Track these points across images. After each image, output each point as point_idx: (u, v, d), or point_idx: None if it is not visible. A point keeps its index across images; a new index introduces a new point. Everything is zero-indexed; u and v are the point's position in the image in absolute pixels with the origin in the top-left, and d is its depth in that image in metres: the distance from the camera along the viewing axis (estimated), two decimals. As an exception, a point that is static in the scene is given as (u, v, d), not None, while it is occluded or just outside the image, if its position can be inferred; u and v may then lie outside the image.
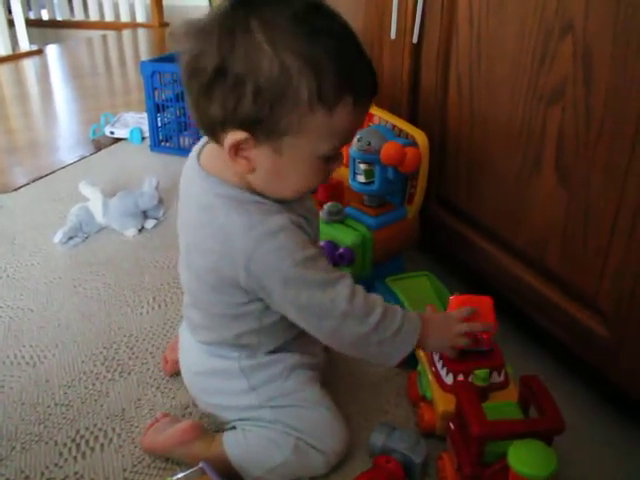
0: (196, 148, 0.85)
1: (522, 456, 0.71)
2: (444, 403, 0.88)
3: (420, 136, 1.16)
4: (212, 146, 0.80)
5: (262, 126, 0.69)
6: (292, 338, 0.90)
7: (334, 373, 1.06)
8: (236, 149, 0.72)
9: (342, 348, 0.83)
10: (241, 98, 0.67)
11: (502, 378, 0.90)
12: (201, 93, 0.70)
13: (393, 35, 1.28)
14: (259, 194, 0.78)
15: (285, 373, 0.88)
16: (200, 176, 0.80)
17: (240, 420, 0.89)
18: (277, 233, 0.74)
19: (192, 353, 0.94)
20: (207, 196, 0.78)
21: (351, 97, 0.69)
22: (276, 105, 0.67)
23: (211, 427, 0.94)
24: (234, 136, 0.70)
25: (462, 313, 0.86)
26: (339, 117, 0.70)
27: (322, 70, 0.67)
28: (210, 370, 0.91)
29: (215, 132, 0.73)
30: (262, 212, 0.76)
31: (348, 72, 0.69)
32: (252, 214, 0.75)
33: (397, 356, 0.82)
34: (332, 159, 0.76)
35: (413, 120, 1.30)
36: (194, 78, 0.70)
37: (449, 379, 0.89)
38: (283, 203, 0.79)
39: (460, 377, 0.89)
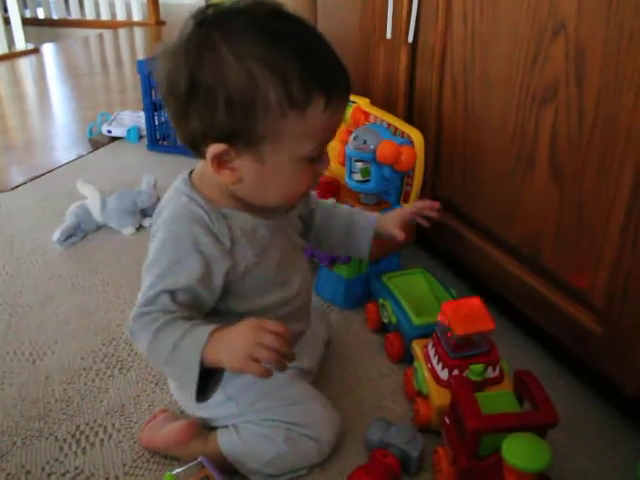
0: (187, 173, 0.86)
1: (516, 449, 0.72)
2: (440, 398, 0.90)
3: (416, 135, 1.17)
4: (201, 167, 0.82)
5: (239, 136, 0.71)
6: None
7: (331, 369, 1.07)
8: (219, 161, 0.73)
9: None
10: (215, 111, 0.69)
11: (497, 373, 0.92)
12: (179, 111, 0.73)
13: (389, 35, 1.29)
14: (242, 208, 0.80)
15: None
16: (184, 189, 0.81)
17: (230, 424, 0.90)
18: (172, 231, 0.77)
19: None
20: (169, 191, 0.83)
21: (322, 97, 0.70)
22: (248, 113, 0.69)
23: (208, 424, 0.94)
24: (214, 149, 0.72)
25: (270, 324, 0.71)
26: (313, 118, 0.71)
27: (287, 74, 0.68)
28: None
29: (197, 146, 0.75)
30: (184, 210, 0.78)
31: (315, 73, 0.70)
32: (178, 206, 0.79)
33: (186, 382, 0.72)
34: (316, 160, 0.77)
35: (409, 119, 1.31)
36: (170, 96, 0.73)
37: (444, 374, 0.91)
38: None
39: (455, 372, 0.90)
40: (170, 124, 0.79)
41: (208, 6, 0.72)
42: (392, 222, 1.00)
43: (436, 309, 1.05)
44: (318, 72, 0.70)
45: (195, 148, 0.76)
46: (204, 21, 0.70)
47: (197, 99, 0.69)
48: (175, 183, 0.83)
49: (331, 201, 1.04)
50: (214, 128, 0.70)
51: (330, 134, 0.77)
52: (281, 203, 0.81)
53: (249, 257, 0.81)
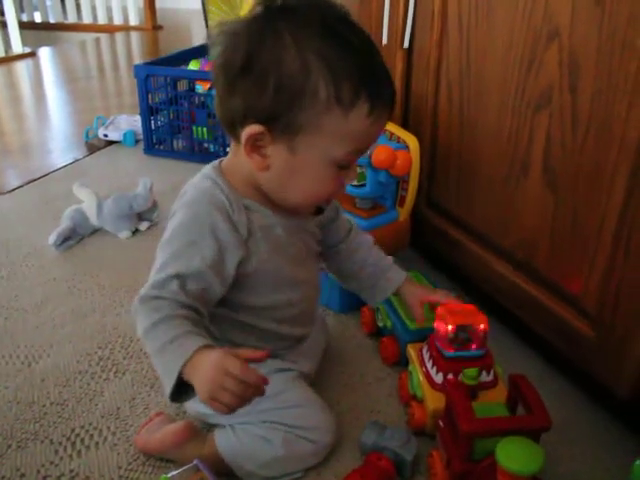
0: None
1: (510, 453, 0.73)
2: (434, 401, 0.90)
3: (411, 140, 1.18)
4: (230, 151, 0.83)
5: (280, 121, 0.72)
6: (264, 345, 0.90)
7: (326, 373, 1.07)
8: (252, 143, 0.74)
9: None
10: (263, 91, 0.70)
11: (491, 377, 0.92)
12: (226, 87, 0.74)
13: (385, 40, 1.30)
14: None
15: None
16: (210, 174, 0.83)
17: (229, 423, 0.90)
18: (191, 214, 0.78)
19: None
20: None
21: (367, 103, 0.71)
22: (295, 101, 0.70)
23: (204, 426, 0.95)
24: (251, 129, 0.73)
25: (236, 368, 0.68)
26: (354, 121, 0.72)
27: (342, 73, 0.70)
28: None
29: (235, 127, 0.76)
30: (205, 195, 0.79)
31: (367, 79, 0.71)
32: (199, 190, 0.80)
33: (165, 379, 0.72)
34: (345, 168, 0.77)
35: (405, 124, 1.32)
36: (221, 73, 0.74)
37: (439, 378, 0.91)
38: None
39: (450, 376, 0.90)
40: (214, 102, 0.79)
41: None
42: (417, 297, 1.00)
43: (430, 313, 1.06)
44: (369, 79, 0.72)
45: (231, 128, 0.77)
46: (272, 8, 0.72)
47: (249, 76, 0.71)
48: (203, 169, 0.84)
49: (365, 237, 1.04)
50: (257, 108, 0.72)
51: (366, 144, 0.77)
52: (300, 203, 0.81)
53: (262, 252, 0.82)
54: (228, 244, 0.78)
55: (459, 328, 0.90)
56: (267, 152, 0.75)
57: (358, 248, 1.02)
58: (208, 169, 0.84)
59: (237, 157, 0.80)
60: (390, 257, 1.03)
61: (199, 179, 0.83)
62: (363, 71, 0.71)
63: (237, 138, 0.76)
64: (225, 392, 0.68)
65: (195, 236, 0.77)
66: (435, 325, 0.93)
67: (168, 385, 0.71)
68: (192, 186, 0.82)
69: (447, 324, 0.90)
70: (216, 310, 0.84)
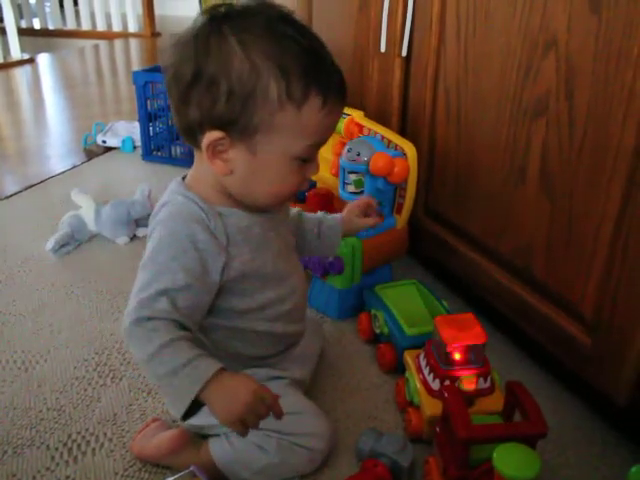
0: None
1: (506, 459, 0.73)
2: (431, 408, 0.90)
3: (409, 147, 1.19)
4: (194, 169, 0.84)
5: (236, 125, 0.73)
6: (257, 360, 0.91)
7: (323, 379, 1.07)
8: (213, 149, 0.75)
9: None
10: (215, 98, 0.72)
11: (488, 384, 0.92)
12: (180, 98, 0.75)
13: (383, 48, 1.30)
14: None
15: None
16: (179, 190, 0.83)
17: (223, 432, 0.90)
18: (170, 230, 0.78)
19: None
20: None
21: (319, 96, 0.73)
22: (248, 103, 0.71)
23: (199, 433, 0.94)
24: (210, 136, 0.74)
25: (269, 397, 0.73)
26: (308, 115, 0.73)
27: (290, 70, 0.71)
28: None
29: (194, 135, 0.77)
30: (180, 211, 0.80)
31: (315, 73, 0.73)
32: (174, 207, 0.80)
33: (174, 404, 0.74)
34: (307, 162, 0.79)
35: (402, 132, 1.32)
36: (174, 85, 0.75)
37: (436, 385, 0.91)
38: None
39: (447, 383, 0.91)
40: (171, 114, 0.81)
41: (218, 5, 0.75)
42: (354, 214, 1.05)
43: (428, 320, 1.07)
44: (318, 73, 0.73)
45: (191, 137, 0.78)
46: (216, 16, 0.73)
47: (200, 85, 0.72)
48: (170, 186, 0.85)
49: (296, 209, 1.05)
50: (213, 115, 0.73)
51: (323, 136, 0.79)
52: (269, 202, 0.82)
53: (244, 253, 0.82)
54: (209, 253, 0.78)
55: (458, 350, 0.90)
56: (228, 156, 0.76)
57: (301, 218, 1.04)
58: (174, 186, 0.84)
59: (201, 166, 0.81)
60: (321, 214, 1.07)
61: (169, 196, 0.83)
62: (311, 66, 0.73)
63: (198, 146, 0.77)
64: (255, 417, 0.72)
65: (176, 251, 0.77)
66: (433, 334, 0.93)
67: (182, 406, 0.71)
68: (163, 205, 0.82)
69: (453, 351, 0.90)
70: (208, 320, 0.84)
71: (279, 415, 0.74)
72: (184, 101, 0.74)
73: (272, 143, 0.74)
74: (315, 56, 0.74)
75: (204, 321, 0.83)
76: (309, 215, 1.05)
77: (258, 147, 0.75)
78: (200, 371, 0.71)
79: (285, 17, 0.75)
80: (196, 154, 0.82)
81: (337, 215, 1.05)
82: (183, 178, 0.85)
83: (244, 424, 0.72)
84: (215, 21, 0.73)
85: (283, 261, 0.90)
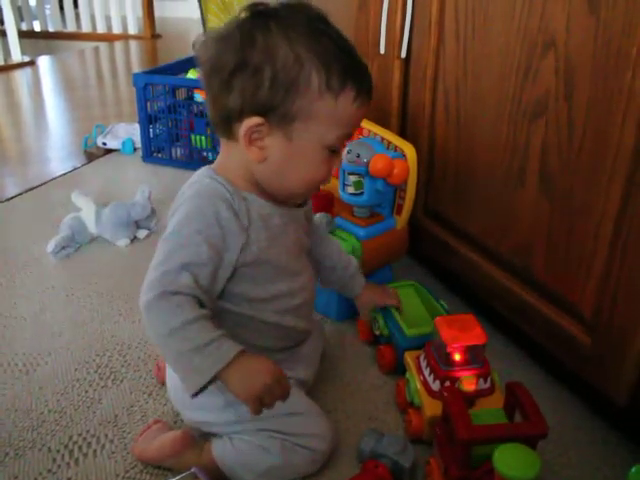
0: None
1: (507, 459, 0.73)
2: (431, 409, 0.90)
3: (408, 149, 1.19)
4: (220, 151, 0.87)
5: (277, 111, 0.76)
6: (266, 347, 0.91)
7: (324, 380, 1.07)
8: (251, 136, 0.78)
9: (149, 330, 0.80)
10: (259, 85, 0.75)
11: (488, 385, 0.92)
12: (222, 86, 0.77)
13: (382, 50, 1.31)
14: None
15: None
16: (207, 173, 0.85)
17: (225, 433, 0.90)
18: (195, 207, 0.80)
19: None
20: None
21: (353, 89, 0.78)
22: (290, 90, 0.75)
23: (201, 435, 0.94)
24: (250, 121, 0.77)
25: (285, 381, 0.78)
26: (343, 105, 0.78)
27: (330, 63, 0.76)
28: None
29: (231, 124, 0.79)
30: (206, 189, 0.81)
31: (350, 68, 0.78)
32: (199, 187, 0.82)
33: (191, 380, 0.75)
34: (335, 152, 0.82)
35: (402, 133, 1.33)
36: (215, 75, 0.78)
37: (436, 385, 0.92)
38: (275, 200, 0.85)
39: (447, 383, 0.91)
40: (206, 105, 0.83)
41: (258, 2, 0.79)
42: (367, 306, 1.12)
43: (428, 321, 1.07)
44: (353, 69, 0.79)
45: (227, 125, 0.80)
46: (259, 12, 0.78)
47: (244, 72, 0.75)
48: (197, 172, 0.87)
49: (325, 218, 1.07)
50: (255, 101, 0.76)
51: (353, 128, 0.83)
52: (296, 190, 0.85)
53: (262, 240, 0.83)
54: (231, 231, 0.80)
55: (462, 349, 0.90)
56: (264, 143, 0.79)
57: (328, 245, 1.08)
58: (202, 170, 0.86)
59: (229, 155, 0.84)
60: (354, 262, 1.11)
61: (197, 178, 0.85)
62: (347, 61, 0.78)
63: (232, 134, 0.80)
64: (272, 397, 0.76)
65: (201, 225, 0.79)
66: (433, 335, 0.93)
67: (198, 383, 0.74)
68: (190, 185, 0.85)
69: (453, 352, 0.90)
70: (218, 305, 0.85)
71: (285, 397, 0.78)
72: (226, 88, 0.77)
73: (309, 130, 0.78)
74: (350, 55, 0.79)
75: (214, 305, 0.84)
76: (334, 242, 1.11)
77: (295, 134, 0.78)
78: (222, 352, 0.74)
79: (323, 18, 0.80)
80: (225, 145, 0.85)
81: (358, 285, 1.11)
82: (210, 166, 0.87)
83: (261, 403, 0.75)
84: (259, 17, 0.77)
85: (296, 256, 0.92)
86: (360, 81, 0.79)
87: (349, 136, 0.83)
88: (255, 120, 0.76)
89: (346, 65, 0.78)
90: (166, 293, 0.75)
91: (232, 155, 0.83)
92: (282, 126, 0.77)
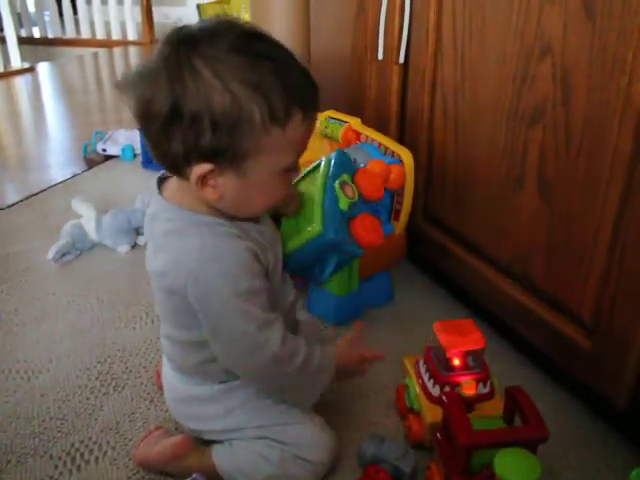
0: (155, 187, 0.86)
1: (507, 464, 0.73)
2: (431, 414, 0.91)
3: (405, 154, 1.19)
4: (174, 180, 0.83)
5: (224, 155, 0.72)
6: None
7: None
8: (202, 181, 0.75)
9: (263, 385, 0.86)
10: (200, 133, 0.70)
11: (488, 389, 0.93)
12: (160, 134, 0.73)
13: (380, 55, 1.31)
14: (225, 217, 0.80)
15: (260, 393, 0.89)
16: (169, 208, 0.82)
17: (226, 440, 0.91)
18: (226, 257, 0.76)
19: (171, 381, 0.95)
20: (171, 223, 0.81)
21: (299, 112, 0.73)
22: (234, 133, 0.71)
23: (202, 440, 0.95)
24: (200, 169, 0.73)
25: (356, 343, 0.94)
26: (292, 132, 0.74)
27: (269, 92, 0.71)
28: (187, 397, 0.92)
29: (179, 167, 0.75)
30: (215, 235, 0.78)
31: (293, 90, 0.73)
32: (205, 237, 0.77)
33: (316, 393, 0.86)
34: (291, 170, 0.80)
35: (401, 138, 1.33)
36: (150, 120, 0.73)
37: (436, 391, 0.92)
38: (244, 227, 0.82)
39: (447, 389, 0.91)
40: (146, 145, 0.79)
41: (180, 28, 0.73)
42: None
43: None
44: (295, 89, 0.73)
45: (175, 168, 0.77)
46: (181, 44, 0.71)
47: (181, 122, 0.70)
48: (183, 216, 0.80)
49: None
50: (198, 149, 0.72)
51: (304, 145, 0.80)
52: (261, 211, 0.85)
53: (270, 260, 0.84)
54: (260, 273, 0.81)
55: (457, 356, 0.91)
56: (217, 183, 0.75)
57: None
58: (189, 220, 0.80)
59: (185, 190, 0.80)
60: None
61: (189, 236, 0.79)
62: (288, 83, 0.72)
63: (182, 175, 0.76)
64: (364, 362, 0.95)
65: (252, 280, 0.79)
66: (432, 340, 0.93)
67: (316, 395, 0.87)
68: (193, 248, 0.78)
69: (445, 350, 0.90)
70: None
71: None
72: (164, 137, 0.72)
73: (262, 163, 0.75)
74: (290, 72, 0.74)
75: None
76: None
77: (248, 171, 0.75)
78: (329, 361, 0.87)
79: (253, 34, 0.74)
80: (181, 183, 0.80)
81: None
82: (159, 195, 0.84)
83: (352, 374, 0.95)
84: (182, 50, 0.71)
85: (281, 274, 0.91)
86: (305, 100, 0.75)
87: (303, 152, 0.80)
88: (204, 167, 0.73)
89: (287, 89, 0.72)
90: (285, 338, 0.80)
91: (191, 192, 0.78)
92: (233, 166, 0.74)
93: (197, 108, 0.69)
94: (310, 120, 0.77)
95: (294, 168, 0.81)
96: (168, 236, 0.80)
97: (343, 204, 1.04)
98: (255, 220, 0.85)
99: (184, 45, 0.71)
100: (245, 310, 0.77)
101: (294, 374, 0.82)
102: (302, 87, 0.75)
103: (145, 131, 0.75)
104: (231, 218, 0.81)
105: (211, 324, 0.79)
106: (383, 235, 1.10)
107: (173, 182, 0.84)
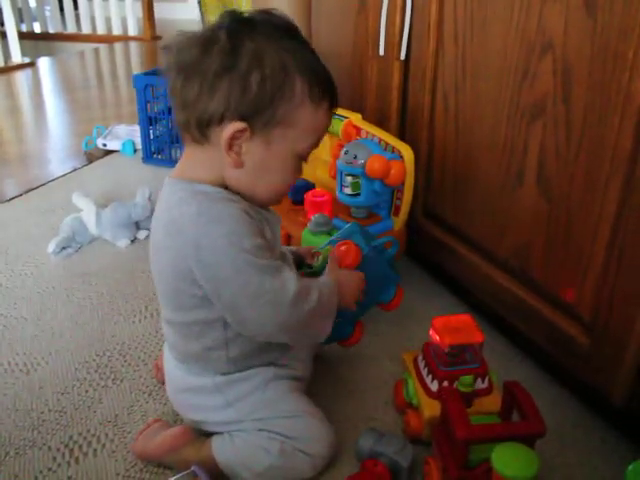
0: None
1: (505, 459, 0.73)
2: (430, 409, 0.91)
3: (406, 150, 1.19)
4: (184, 157, 0.86)
5: (261, 115, 0.77)
6: (265, 352, 0.91)
7: (323, 381, 1.08)
8: (231, 141, 0.78)
9: (293, 333, 0.84)
10: (246, 89, 0.75)
11: (486, 384, 0.93)
12: (203, 89, 0.76)
13: (381, 51, 1.31)
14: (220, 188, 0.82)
15: (262, 385, 0.90)
16: (169, 184, 0.85)
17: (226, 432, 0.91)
18: (225, 219, 0.78)
19: (172, 372, 0.96)
20: (173, 195, 0.83)
21: (328, 100, 0.82)
22: (276, 95, 0.76)
23: (201, 431, 0.95)
24: (233, 127, 0.77)
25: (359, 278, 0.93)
26: (320, 116, 0.82)
27: (312, 73, 0.79)
28: (188, 388, 0.93)
29: (207, 128, 0.78)
30: (212, 200, 0.80)
31: (328, 80, 0.83)
32: (201, 202, 0.79)
33: (330, 323, 0.86)
34: (303, 160, 0.85)
35: (401, 134, 1.33)
36: (195, 77, 0.77)
37: (434, 386, 0.92)
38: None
39: (445, 383, 0.91)
40: (176, 108, 0.81)
41: (232, 11, 0.80)
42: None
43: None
44: (328, 81, 0.83)
45: (202, 129, 0.79)
46: (241, 19, 0.79)
47: (231, 75, 0.75)
48: (172, 190, 0.84)
49: None
50: (240, 106, 0.76)
51: (323, 136, 0.86)
52: (267, 197, 0.85)
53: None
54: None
55: (454, 347, 0.91)
56: (242, 149, 0.79)
57: None
58: (178, 187, 0.83)
59: (198, 161, 0.83)
60: None
61: (185, 204, 0.80)
62: (325, 72, 0.82)
63: (206, 139, 0.79)
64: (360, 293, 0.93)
65: (254, 237, 0.79)
66: (430, 335, 0.94)
67: (330, 324, 0.87)
68: (183, 211, 0.80)
69: (443, 344, 0.90)
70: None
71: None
72: (208, 91, 0.76)
73: (286, 137, 0.80)
74: (324, 69, 0.83)
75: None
76: None
77: (274, 140, 0.79)
78: (332, 289, 0.87)
79: (297, 31, 0.82)
80: (193, 151, 0.83)
81: None
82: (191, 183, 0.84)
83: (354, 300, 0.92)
84: (243, 23, 0.78)
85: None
86: (333, 94, 0.83)
87: (317, 145, 0.85)
88: (239, 125, 0.76)
89: (323, 78, 0.81)
90: (298, 291, 0.80)
91: (202, 161, 0.82)
92: (264, 131, 0.78)
93: (249, 64, 0.75)
94: (332, 114, 0.84)
95: (306, 156, 0.85)
96: (170, 209, 0.82)
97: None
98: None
99: (244, 20, 0.79)
100: (255, 264, 0.78)
101: (315, 307, 0.82)
102: (332, 83, 0.84)
103: (183, 88, 0.78)
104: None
105: (226, 291, 0.79)
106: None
107: (182, 161, 0.87)
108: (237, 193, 0.83)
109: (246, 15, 0.79)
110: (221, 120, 0.77)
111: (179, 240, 0.79)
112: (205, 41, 0.77)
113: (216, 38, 0.76)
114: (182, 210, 0.80)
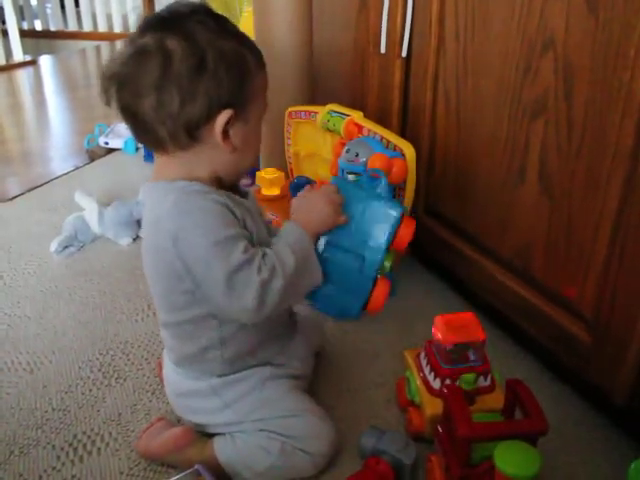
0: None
1: (507, 457, 0.73)
2: (432, 407, 0.91)
3: (407, 148, 1.19)
4: (160, 165, 0.86)
5: (237, 99, 0.81)
6: (261, 351, 0.92)
7: (325, 378, 1.08)
8: (224, 130, 0.81)
9: (279, 304, 0.82)
10: (220, 80, 0.79)
11: (488, 382, 0.93)
12: (185, 96, 0.77)
13: (383, 49, 1.31)
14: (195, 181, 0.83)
15: (259, 385, 0.90)
16: (150, 188, 0.85)
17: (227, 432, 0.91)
18: (196, 211, 0.79)
19: (171, 376, 0.96)
20: (152, 197, 0.85)
21: (261, 58, 0.86)
22: (243, 77, 0.81)
23: (203, 432, 0.95)
24: (224, 116, 0.80)
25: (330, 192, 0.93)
26: (265, 75, 0.87)
27: (249, 44, 0.84)
28: (186, 392, 0.93)
29: (198, 131, 0.80)
30: (187, 193, 0.81)
31: (255, 47, 0.86)
32: (178, 196, 0.80)
33: (316, 269, 0.87)
34: (262, 117, 0.89)
35: (403, 132, 1.33)
36: (170, 87, 0.77)
37: (437, 383, 0.92)
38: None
39: (447, 381, 0.91)
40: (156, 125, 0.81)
41: (151, 15, 0.82)
42: None
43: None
44: (255, 47, 0.86)
45: (190, 134, 0.80)
46: (160, 20, 0.80)
47: (205, 73, 0.77)
48: (159, 189, 0.84)
49: None
50: (220, 97, 0.79)
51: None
52: (250, 165, 0.91)
53: (249, 222, 0.85)
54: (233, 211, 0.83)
55: (457, 345, 0.91)
56: (231, 135, 0.82)
57: None
58: (163, 188, 0.83)
59: (187, 164, 0.83)
60: None
61: (164, 199, 0.81)
62: (253, 44, 0.86)
63: (196, 140, 0.81)
64: (338, 206, 0.91)
65: (227, 228, 0.80)
66: (433, 333, 0.94)
67: (318, 271, 0.88)
68: (167, 209, 0.81)
69: (446, 342, 0.90)
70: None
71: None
72: (190, 94, 0.77)
73: (255, 108, 0.85)
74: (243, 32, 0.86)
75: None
76: None
77: (249, 114, 0.83)
78: (300, 236, 0.87)
79: (212, 11, 0.84)
80: (178, 158, 0.83)
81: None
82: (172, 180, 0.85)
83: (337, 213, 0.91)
84: (171, 24, 0.79)
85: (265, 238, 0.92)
86: (262, 57, 0.87)
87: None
88: (228, 112, 0.80)
89: (251, 42, 0.85)
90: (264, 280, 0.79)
91: (192, 163, 0.83)
92: (243, 111, 0.82)
93: (214, 58, 0.78)
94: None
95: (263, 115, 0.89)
96: (154, 208, 0.84)
97: None
98: (241, 195, 0.88)
99: (170, 21, 0.80)
100: (225, 257, 0.78)
101: (293, 273, 0.81)
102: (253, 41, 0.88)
103: (161, 104, 0.78)
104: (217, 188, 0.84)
105: (203, 283, 0.80)
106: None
107: (155, 172, 0.87)
108: (223, 181, 0.86)
109: (164, 14, 0.80)
110: (208, 117, 0.79)
111: (160, 236, 0.81)
112: (151, 53, 0.77)
113: (160, 46, 0.77)
114: (162, 206, 0.81)
